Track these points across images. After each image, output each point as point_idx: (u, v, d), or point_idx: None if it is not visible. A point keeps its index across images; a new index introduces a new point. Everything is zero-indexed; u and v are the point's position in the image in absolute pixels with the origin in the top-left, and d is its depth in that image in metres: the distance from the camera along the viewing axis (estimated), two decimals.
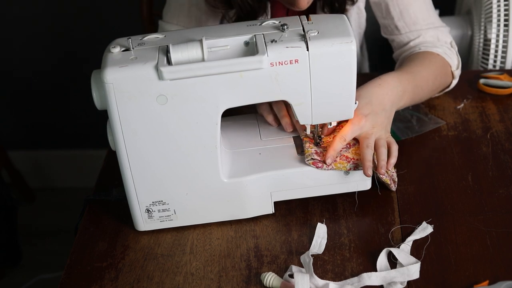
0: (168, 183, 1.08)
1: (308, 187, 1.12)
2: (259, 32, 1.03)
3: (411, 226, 1.09)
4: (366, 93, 1.17)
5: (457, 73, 1.36)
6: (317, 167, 1.10)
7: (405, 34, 1.38)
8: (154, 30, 1.84)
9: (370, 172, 1.09)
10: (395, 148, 1.14)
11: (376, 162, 1.12)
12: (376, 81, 1.20)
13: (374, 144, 1.13)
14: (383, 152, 1.12)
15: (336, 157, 1.12)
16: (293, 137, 1.18)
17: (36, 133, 2.57)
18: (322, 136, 1.16)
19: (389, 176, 1.14)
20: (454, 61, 1.36)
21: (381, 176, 1.12)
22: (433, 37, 1.36)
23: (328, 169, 1.10)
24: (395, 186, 1.15)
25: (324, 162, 1.10)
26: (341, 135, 1.13)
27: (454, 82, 1.37)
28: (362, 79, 1.47)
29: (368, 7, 1.46)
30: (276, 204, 1.14)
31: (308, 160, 1.10)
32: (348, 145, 1.14)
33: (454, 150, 1.26)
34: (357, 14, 1.50)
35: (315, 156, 1.11)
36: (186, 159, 1.06)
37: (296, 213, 1.14)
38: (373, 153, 1.13)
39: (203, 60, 0.99)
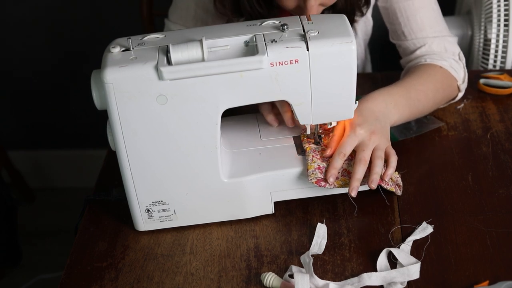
0: (168, 183, 1.08)
1: (308, 187, 1.12)
2: (259, 32, 1.03)
3: (411, 226, 1.09)
4: (359, 109, 1.15)
5: (463, 86, 1.34)
6: (320, 186, 1.09)
7: (411, 40, 1.36)
8: (154, 30, 1.84)
9: (354, 193, 1.07)
10: (394, 159, 1.12)
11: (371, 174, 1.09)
12: (363, 98, 1.20)
13: (370, 155, 1.11)
14: (378, 164, 1.10)
15: (338, 172, 1.10)
16: (293, 137, 1.18)
17: (36, 133, 2.56)
18: (322, 136, 1.16)
19: (394, 182, 1.13)
20: (461, 75, 1.34)
21: (385, 186, 1.11)
22: (440, 47, 1.34)
23: (331, 187, 1.10)
24: (400, 191, 1.14)
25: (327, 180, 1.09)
26: (340, 151, 1.11)
27: (460, 95, 1.35)
28: (365, 79, 1.48)
29: (373, 13, 1.46)
30: (276, 204, 1.14)
31: (311, 179, 1.09)
32: (350, 157, 1.13)
33: (454, 150, 1.25)
34: (364, 23, 1.51)
35: (319, 175, 1.09)
36: (186, 159, 1.06)
37: (296, 213, 1.14)
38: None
39: (203, 60, 0.99)
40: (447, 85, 1.32)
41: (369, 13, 1.49)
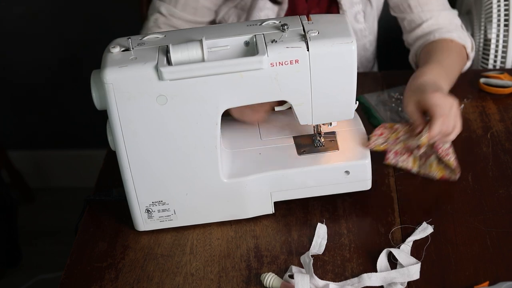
0: (168, 183, 1.08)
1: (308, 187, 1.12)
2: (259, 32, 1.03)
3: (411, 226, 1.09)
4: (415, 85, 1.17)
5: (472, 54, 1.38)
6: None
7: (417, 13, 1.38)
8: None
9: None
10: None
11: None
12: (416, 75, 1.21)
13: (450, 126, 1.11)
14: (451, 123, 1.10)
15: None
16: (293, 137, 1.18)
17: (36, 133, 2.56)
18: (323, 136, 1.16)
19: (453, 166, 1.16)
20: (468, 43, 1.38)
21: (445, 157, 1.14)
22: (445, 20, 1.38)
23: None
24: (456, 175, 1.16)
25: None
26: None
27: (468, 64, 1.40)
28: (365, 78, 1.48)
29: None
30: (276, 204, 1.14)
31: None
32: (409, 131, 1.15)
33: (454, 150, 1.25)
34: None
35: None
36: (186, 159, 1.06)
37: (296, 213, 1.14)
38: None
39: (203, 60, 0.99)
40: (462, 56, 1.36)
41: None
